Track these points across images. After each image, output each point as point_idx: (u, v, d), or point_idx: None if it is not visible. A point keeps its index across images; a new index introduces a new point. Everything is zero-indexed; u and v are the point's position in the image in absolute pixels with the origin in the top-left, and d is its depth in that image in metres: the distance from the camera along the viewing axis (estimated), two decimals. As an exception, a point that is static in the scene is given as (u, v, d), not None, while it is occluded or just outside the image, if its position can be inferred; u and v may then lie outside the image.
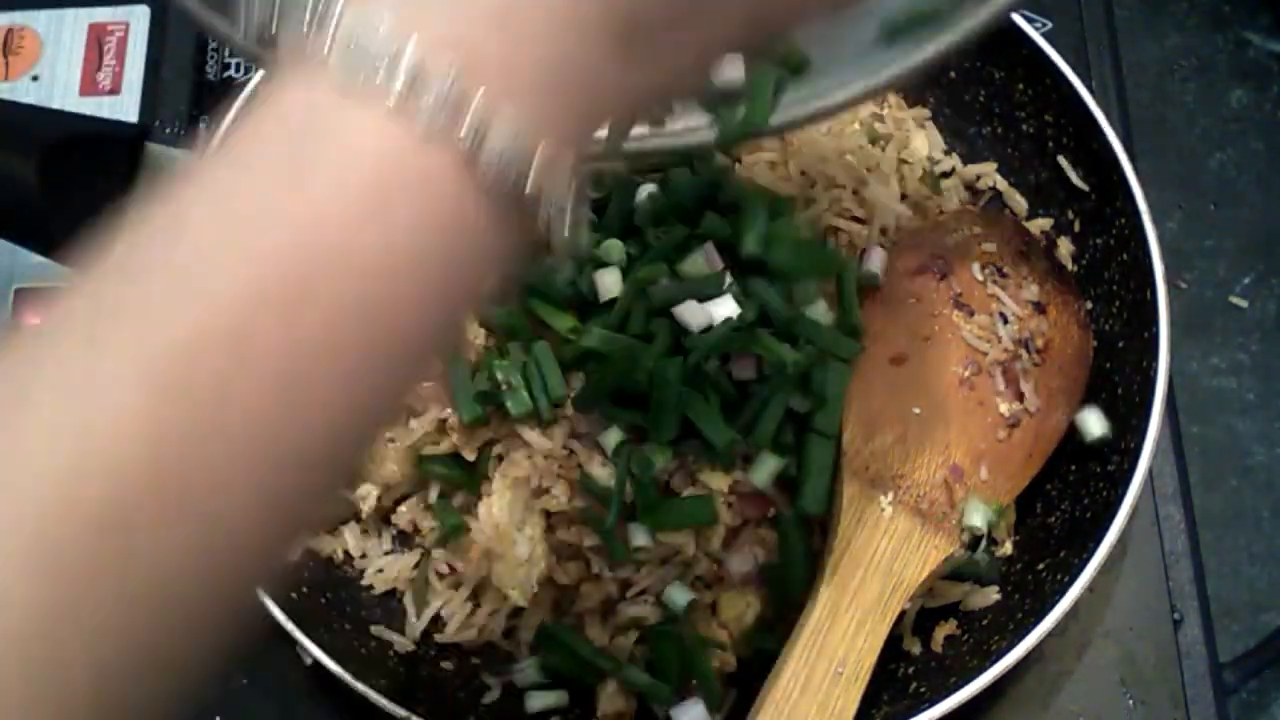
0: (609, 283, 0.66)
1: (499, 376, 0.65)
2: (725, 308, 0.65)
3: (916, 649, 0.70)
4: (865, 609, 0.63)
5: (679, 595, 0.66)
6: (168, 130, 0.86)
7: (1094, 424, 0.71)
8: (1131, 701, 0.72)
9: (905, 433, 0.68)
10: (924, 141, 0.81)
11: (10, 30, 0.89)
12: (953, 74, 0.82)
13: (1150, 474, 0.71)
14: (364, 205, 0.30)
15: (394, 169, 0.31)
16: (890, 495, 0.66)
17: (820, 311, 0.69)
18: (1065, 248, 0.77)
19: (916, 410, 0.69)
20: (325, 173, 0.31)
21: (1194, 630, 0.73)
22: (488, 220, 0.32)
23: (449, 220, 0.32)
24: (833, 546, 0.65)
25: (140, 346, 0.29)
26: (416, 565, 0.70)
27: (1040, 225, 0.78)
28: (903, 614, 0.67)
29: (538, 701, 0.68)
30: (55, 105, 0.87)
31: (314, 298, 0.30)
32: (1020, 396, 0.71)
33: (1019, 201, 0.80)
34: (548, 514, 0.66)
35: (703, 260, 0.66)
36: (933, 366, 0.70)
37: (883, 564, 0.65)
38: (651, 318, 0.65)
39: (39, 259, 0.75)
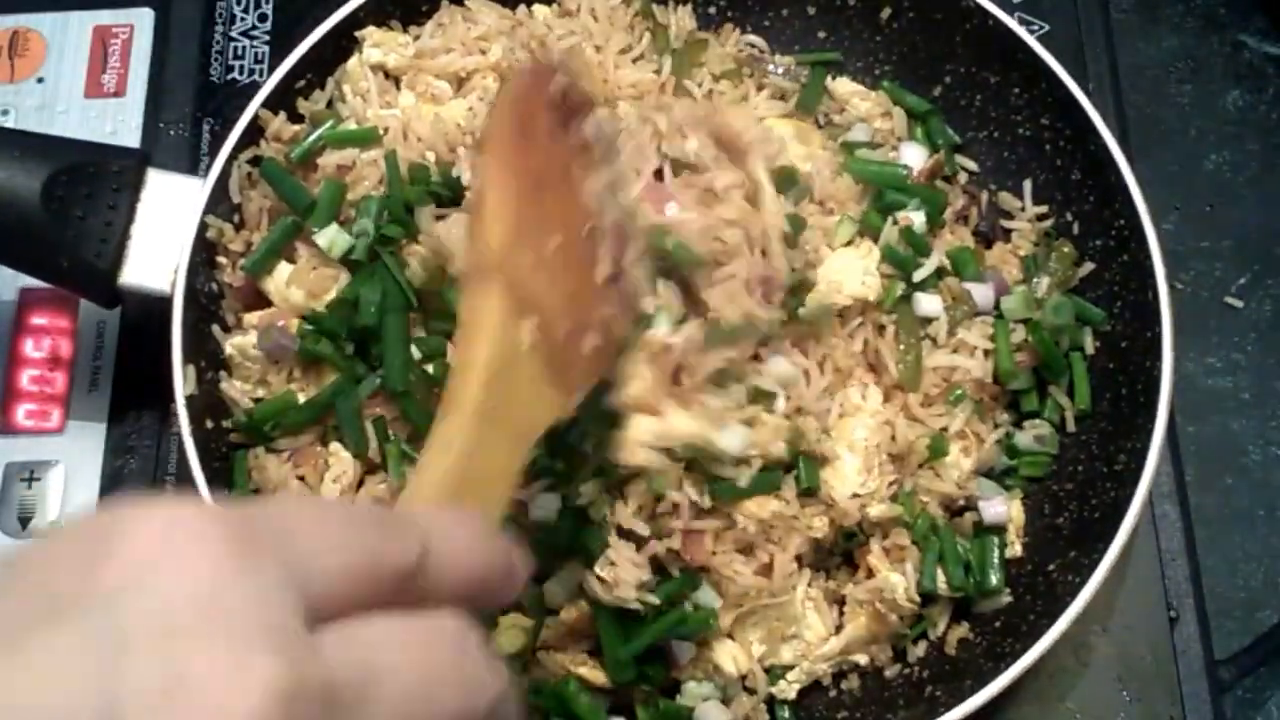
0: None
1: None
2: None
3: (922, 652, 0.71)
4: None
5: None
6: (172, 133, 0.87)
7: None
8: (1128, 698, 0.73)
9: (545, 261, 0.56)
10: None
11: (15, 33, 0.90)
12: (948, 79, 0.82)
13: (1149, 473, 0.72)
14: None
15: None
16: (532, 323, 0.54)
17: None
18: (1064, 249, 0.78)
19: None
20: None
21: (1190, 628, 0.74)
22: None
23: None
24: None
25: None
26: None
27: (1040, 227, 0.79)
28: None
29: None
30: (60, 107, 0.87)
31: None
32: None
33: (1015, 203, 0.80)
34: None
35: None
36: (572, 207, 0.58)
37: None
38: None
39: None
